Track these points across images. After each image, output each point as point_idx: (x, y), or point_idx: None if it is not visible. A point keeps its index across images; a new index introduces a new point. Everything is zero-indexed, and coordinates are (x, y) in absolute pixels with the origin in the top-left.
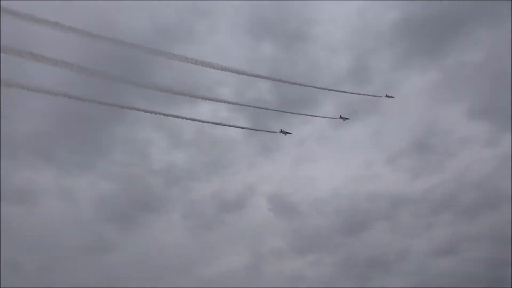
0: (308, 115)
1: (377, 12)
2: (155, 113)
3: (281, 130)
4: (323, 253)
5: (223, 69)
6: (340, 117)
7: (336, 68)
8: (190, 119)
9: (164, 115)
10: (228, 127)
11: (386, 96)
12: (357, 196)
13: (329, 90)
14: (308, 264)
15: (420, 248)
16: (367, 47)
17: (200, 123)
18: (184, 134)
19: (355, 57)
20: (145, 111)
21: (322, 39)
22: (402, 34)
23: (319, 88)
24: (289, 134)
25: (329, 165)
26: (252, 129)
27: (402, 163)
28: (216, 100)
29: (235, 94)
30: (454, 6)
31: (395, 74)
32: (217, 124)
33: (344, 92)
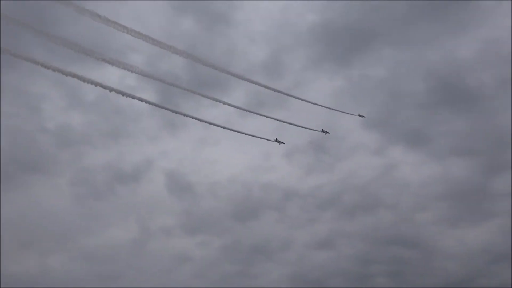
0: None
1: (299, 11)
2: (54, 69)
3: (276, 139)
4: (212, 235)
5: (137, 35)
6: (322, 131)
7: (251, 57)
8: (95, 83)
9: (64, 73)
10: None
11: (359, 115)
12: (252, 185)
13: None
14: (196, 245)
15: (302, 240)
16: (284, 43)
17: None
18: (85, 95)
19: (271, 50)
20: (42, 65)
21: (244, 26)
22: (318, 38)
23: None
24: (282, 144)
25: (230, 151)
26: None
27: (298, 159)
28: (125, 68)
29: (147, 63)
30: (368, 22)
31: (305, 74)
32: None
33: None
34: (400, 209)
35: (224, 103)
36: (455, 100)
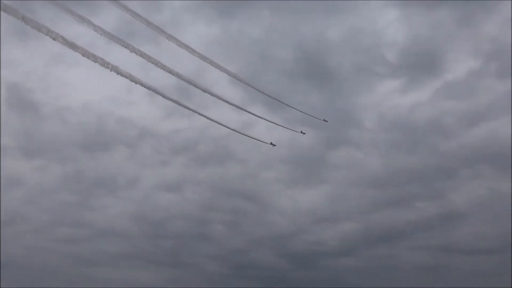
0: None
1: None
2: None
3: (271, 142)
4: (52, 161)
5: None
6: (301, 132)
7: None
8: None
9: None
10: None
11: (324, 120)
12: (107, 117)
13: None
14: (32, 169)
15: (150, 180)
16: None
17: None
18: None
19: None
20: None
21: None
22: None
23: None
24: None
25: (90, 76)
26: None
27: (160, 100)
28: None
29: None
30: None
31: (183, 15)
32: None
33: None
34: (248, 165)
35: (90, 26)
36: (316, 75)
